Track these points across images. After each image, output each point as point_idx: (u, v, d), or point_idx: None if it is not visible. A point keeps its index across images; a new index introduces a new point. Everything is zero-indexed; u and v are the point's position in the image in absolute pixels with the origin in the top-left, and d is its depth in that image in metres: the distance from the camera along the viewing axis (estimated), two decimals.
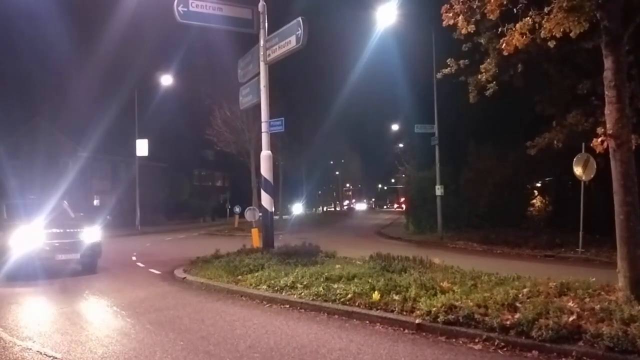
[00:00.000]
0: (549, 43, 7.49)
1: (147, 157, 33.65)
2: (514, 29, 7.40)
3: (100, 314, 7.89)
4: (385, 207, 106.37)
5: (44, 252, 11.45)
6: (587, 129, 13.43)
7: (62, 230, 11.95)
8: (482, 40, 9.33)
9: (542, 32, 7.04)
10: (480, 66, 9.24)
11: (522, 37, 7.29)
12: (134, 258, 15.83)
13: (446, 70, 9.69)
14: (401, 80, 27.47)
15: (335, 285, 8.07)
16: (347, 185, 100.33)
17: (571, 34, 7.02)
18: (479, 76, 9.26)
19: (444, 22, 8.23)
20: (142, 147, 32.44)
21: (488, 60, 9.06)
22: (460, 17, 7.87)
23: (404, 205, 41.72)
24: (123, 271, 12.93)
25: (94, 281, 11.09)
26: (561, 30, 6.90)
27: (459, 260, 10.72)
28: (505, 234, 18.33)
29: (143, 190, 34.64)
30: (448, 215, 22.32)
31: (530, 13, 7.34)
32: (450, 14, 8.07)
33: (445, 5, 8.32)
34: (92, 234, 12.40)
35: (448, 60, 9.91)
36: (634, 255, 6.48)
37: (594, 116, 13.26)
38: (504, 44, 7.54)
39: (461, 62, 9.85)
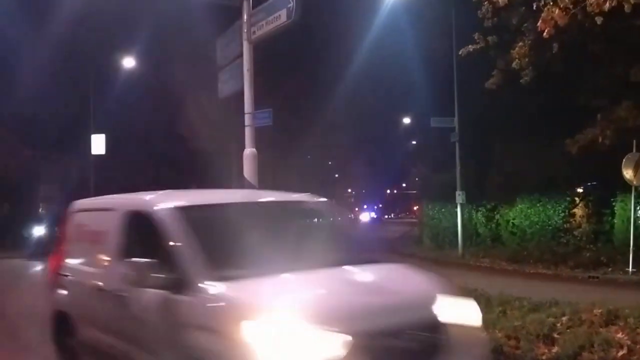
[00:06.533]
0: (595, 19, 7.42)
1: (105, 156, 33.49)
2: (552, 3, 7.37)
3: None
4: (393, 215, 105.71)
5: None
6: (639, 124, 13.49)
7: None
8: (513, 21, 9.32)
9: (588, 6, 7.01)
10: (512, 51, 9.21)
11: (564, 12, 7.23)
12: None
13: (472, 47, 9.65)
14: (414, 65, 27.43)
15: None
16: (349, 190, 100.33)
17: (625, 8, 6.98)
18: (513, 64, 9.22)
19: None
20: (98, 144, 32.22)
21: (521, 43, 9.04)
22: None
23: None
24: None
25: None
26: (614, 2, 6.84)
27: (484, 281, 10.77)
28: (539, 250, 18.41)
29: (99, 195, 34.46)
30: (471, 228, 22.31)
31: None
32: None
33: None
34: None
35: (475, 35, 9.86)
36: None
37: None
38: (542, 23, 7.50)
39: (489, 38, 9.80)
